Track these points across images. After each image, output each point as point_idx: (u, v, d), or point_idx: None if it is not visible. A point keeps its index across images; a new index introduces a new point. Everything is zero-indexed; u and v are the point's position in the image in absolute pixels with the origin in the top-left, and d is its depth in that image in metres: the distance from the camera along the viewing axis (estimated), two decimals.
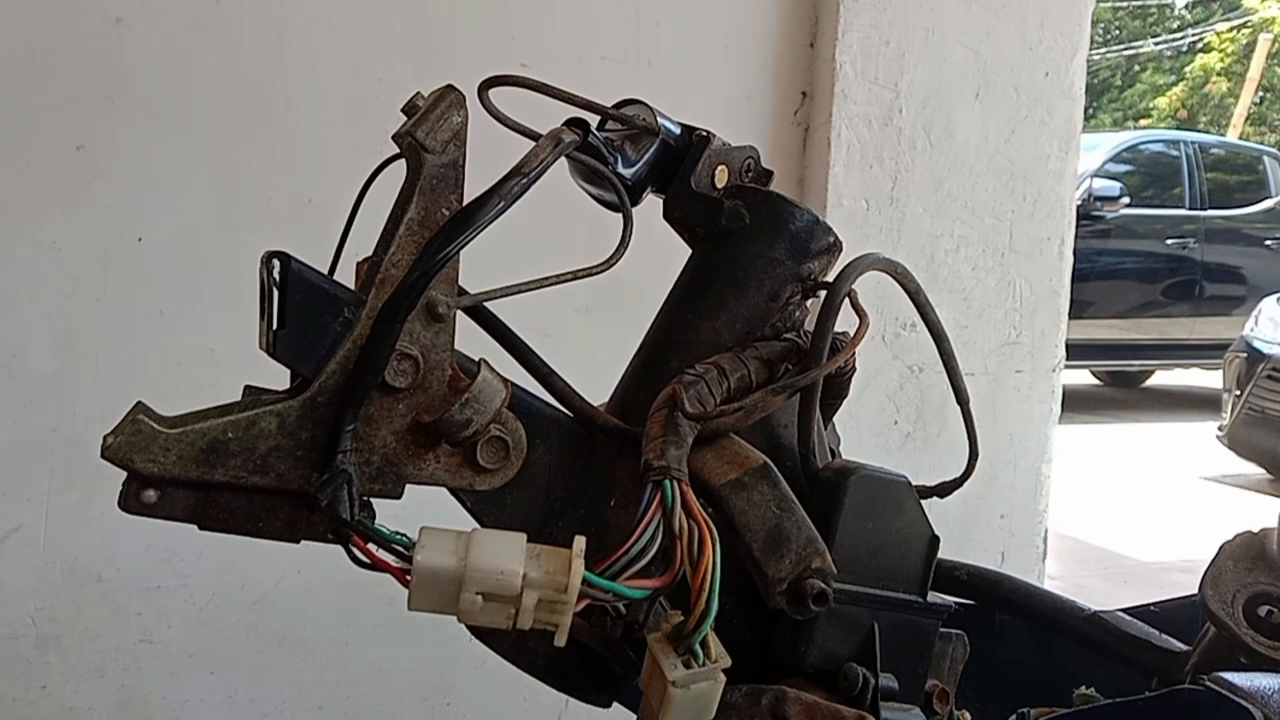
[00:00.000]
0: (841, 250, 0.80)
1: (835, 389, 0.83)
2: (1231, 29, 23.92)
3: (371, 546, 0.61)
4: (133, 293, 1.62)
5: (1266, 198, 9.52)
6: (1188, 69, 24.19)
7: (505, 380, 0.67)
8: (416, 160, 0.65)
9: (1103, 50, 24.92)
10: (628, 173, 0.75)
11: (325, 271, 0.66)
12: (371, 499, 0.67)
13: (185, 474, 0.62)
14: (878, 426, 2.11)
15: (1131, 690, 0.85)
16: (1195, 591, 0.89)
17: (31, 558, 1.60)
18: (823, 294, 0.76)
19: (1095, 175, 8.49)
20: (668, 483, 0.63)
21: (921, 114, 2.08)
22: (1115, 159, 8.95)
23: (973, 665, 0.84)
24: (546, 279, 0.67)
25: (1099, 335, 8.38)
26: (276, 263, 0.62)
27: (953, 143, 2.11)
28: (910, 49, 2.05)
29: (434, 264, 0.63)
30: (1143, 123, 22.77)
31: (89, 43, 1.57)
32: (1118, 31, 25.93)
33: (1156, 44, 25.63)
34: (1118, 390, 10.13)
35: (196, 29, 1.63)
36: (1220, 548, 0.89)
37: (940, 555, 0.77)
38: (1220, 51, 23.74)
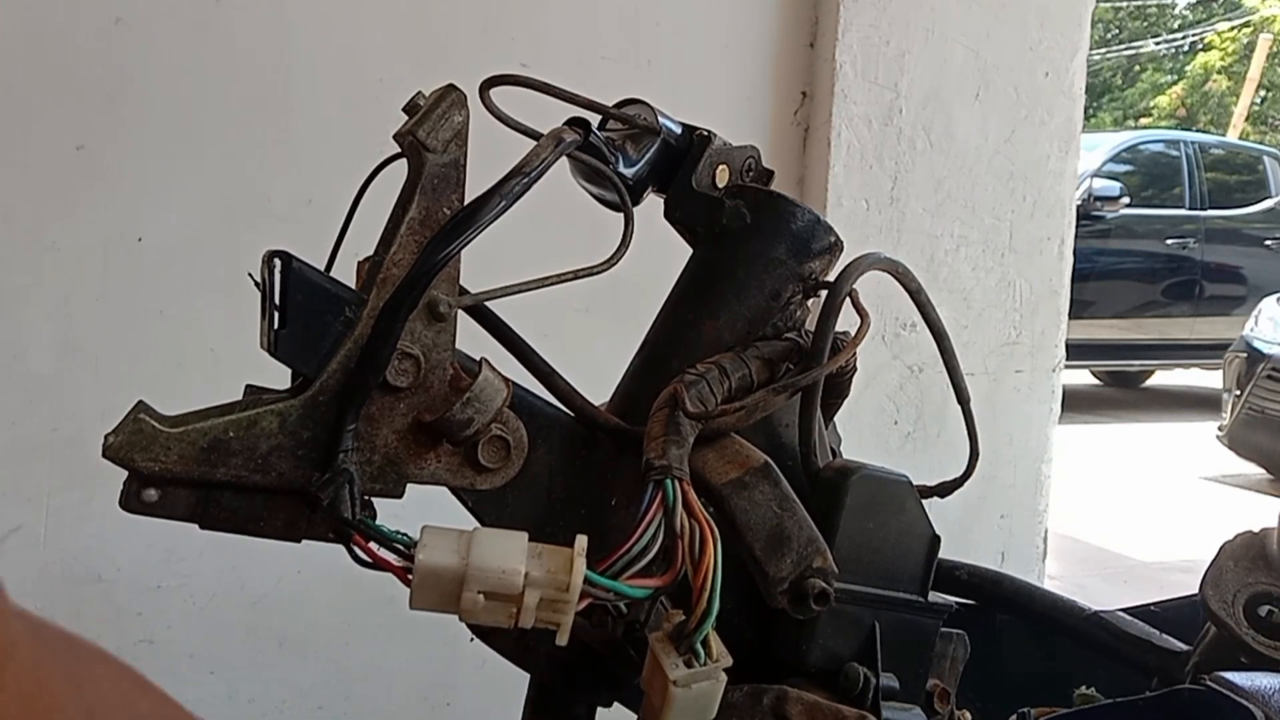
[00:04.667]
0: (842, 250, 0.80)
1: (836, 389, 0.83)
2: (1232, 28, 23.93)
3: (373, 545, 0.61)
4: (133, 293, 1.62)
5: (1266, 198, 9.53)
6: (1188, 68, 24.21)
7: (506, 380, 0.67)
8: (418, 160, 0.65)
9: (1103, 50, 24.92)
10: (629, 172, 0.75)
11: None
12: (372, 498, 0.67)
13: (186, 473, 0.62)
14: (878, 426, 2.11)
15: (1131, 690, 0.85)
16: (1195, 591, 0.89)
17: (31, 558, 1.60)
18: (824, 294, 0.76)
19: (1095, 175, 8.50)
20: (669, 482, 0.63)
21: (921, 114, 2.08)
22: (1115, 159, 8.96)
23: (973, 665, 0.84)
24: (547, 279, 0.67)
25: (1099, 335, 8.39)
26: (278, 262, 0.62)
27: (953, 143, 2.11)
28: (910, 49, 2.05)
29: (435, 263, 0.63)
30: (1143, 122, 22.77)
31: (89, 43, 1.57)
32: (1118, 31, 25.93)
33: (1157, 43, 25.63)
34: (1118, 390, 10.13)
35: (196, 29, 1.63)
36: (1220, 548, 0.89)
37: (940, 555, 0.77)
38: (1221, 50, 23.75)
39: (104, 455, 0.61)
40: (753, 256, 0.76)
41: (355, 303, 0.64)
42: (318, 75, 1.70)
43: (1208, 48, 24.14)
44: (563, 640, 0.60)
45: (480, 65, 0.78)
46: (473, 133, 0.66)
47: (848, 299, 0.74)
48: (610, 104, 0.78)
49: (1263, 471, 6.70)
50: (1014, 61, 2.16)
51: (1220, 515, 5.55)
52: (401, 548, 0.60)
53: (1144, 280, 8.91)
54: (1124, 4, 25.55)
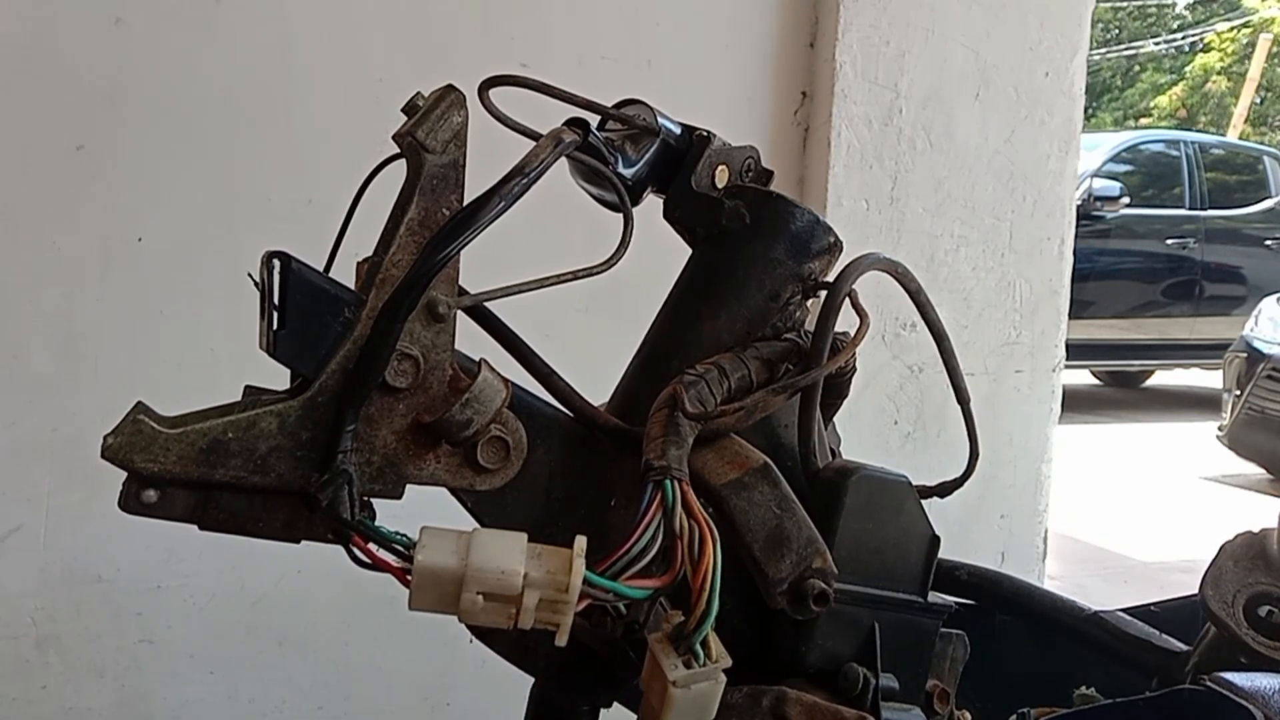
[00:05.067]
0: (842, 250, 0.80)
1: (835, 389, 0.83)
2: (1231, 29, 23.93)
3: (372, 546, 0.61)
4: (133, 293, 1.62)
5: (1266, 198, 9.53)
6: (1188, 69, 24.21)
7: (505, 380, 0.67)
8: (417, 160, 0.65)
9: (1103, 50, 24.92)
10: (628, 173, 0.75)
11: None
12: (372, 499, 0.67)
13: (185, 474, 0.62)
14: (878, 426, 2.11)
15: (1131, 690, 0.85)
16: (1195, 591, 0.89)
17: (31, 558, 1.60)
18: (823, 294, 0.76)
19: (1095, 175, 8.49)
20: (668, 482, 0.63)
21: (921, 114, 2.08)
22: (1115, 159, 8.95)
23: (973, 665, 0.84)
24: (546, 279, 0.67)
25: (1099, 335, 8.38)
26: (277, 263, 0.62)
27: (953, 143, 2.11)
28: (910, 49, 2.05)
29: (434, 264, 0.63)
30: (1143, 122, 22.77)
31: (89, 43, 1.57)
32: (1118, 31, 25.92)
33: (1156, 44, 25.63)
34: (1118, 390, 10.13)
35: (196, 29, 1.62)
36: (1220, 548, 0.89)
37: (940, 555, 0.77)
38: (1220, 51, 23.75)
39: (103, 456, 0.61)
40: (752, 257, 0.76)
41: (354, 303, 0.64)
42: (318, 75, 1.69)
43: (1207, 48, 24.15)
44: (562, 641, 0.60)
45: (480, 65, 0.78)
46: (472, 133, 0.66)
47: (847, 299, 0.74)
48: (610, 104, 0.78)
49: (1263, 471, 6.70)
50: (1014, 61, 2.16)
51: (1220, 515, 5.55)
52: (401, 548, 0.60)
53: (1144, 280, 8.90)
54: (1124, 4, 25.54)
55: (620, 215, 0.72)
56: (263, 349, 0.65)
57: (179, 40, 1.62)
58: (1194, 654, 0.87)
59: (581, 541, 0.60)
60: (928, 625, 0.76)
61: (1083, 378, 9.65)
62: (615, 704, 0.78)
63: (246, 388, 0.68)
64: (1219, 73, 23.40)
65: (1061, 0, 2.19)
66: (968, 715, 0.84)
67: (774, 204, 0.77)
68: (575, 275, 0.68)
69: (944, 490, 0.82)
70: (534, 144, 0.68)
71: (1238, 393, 6.41)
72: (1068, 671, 0.98)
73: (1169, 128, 18.91)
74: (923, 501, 0.76)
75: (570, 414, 0.74)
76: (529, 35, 1.82)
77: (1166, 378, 10.32)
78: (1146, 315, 8.82)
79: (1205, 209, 9.12)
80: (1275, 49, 19.92)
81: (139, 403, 0.63)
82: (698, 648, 0.62)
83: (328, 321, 0.63)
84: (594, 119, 0.75)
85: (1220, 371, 6.87)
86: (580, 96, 0.73)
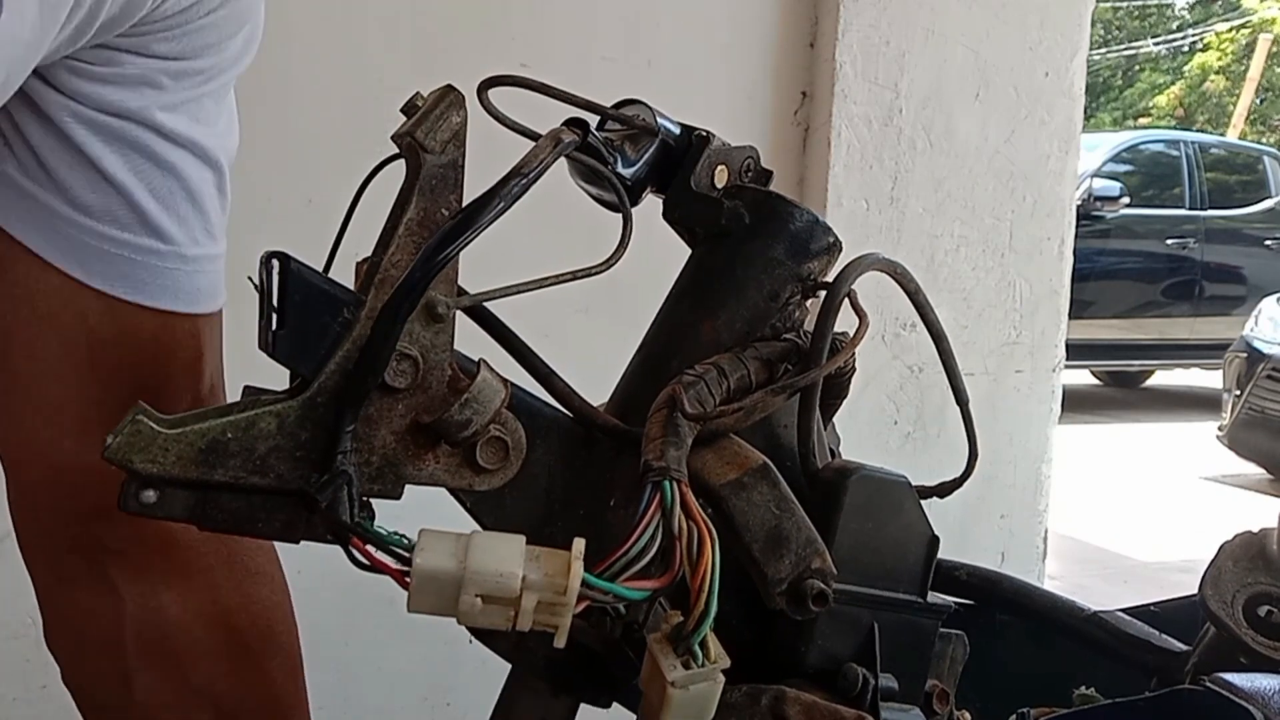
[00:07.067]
0: (841, 250, 0.80)
1: (835, 389, 0.83)
2: (1231, 29, 23.94)
3: (370, 548, 0.61)
4: None
5: (1266, 198, 9.53)
6: (1187, 69, 24.23)
7: (505, 381, 0.67)
8: (416, 160, 0.64)
9: (1103, 50, 24.93)
10: (627, 173, 0.75)
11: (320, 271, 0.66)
12: (371, 499, 0.67)
13: (185, 474, 0.62)
14: (878, 426, 2.11)
15: (1131, 690, 0.85)
16: (1195, 591, 0.88)
17: None
18: (822, 294, 0.76)
19: (1095, 175, 8.49)
20: (667, 483, 0.62)
21: (921, 114, 2.08)
22: (1115, 159, 8.95)
23: (973, 665, 0.83)
24: (546, 279, 0.67)
25: (1099, 335, 8.38)
26: (276, 263, 0.62)
27: (953, 143, 2.12)
28: (910, 49, 2.05)
29: (434, 264, 0.63)
30: (1142, 122, 22.79)
31: None
32: (1118, 31, 25.94)
33: (1156, 44, 25.65)
34: (1118, 390, 10.13)
35: None
36: (1220, 548, 0.89)
37: (940, 555, 0.76)
38: (1219, 51, 23.77)
39: (103, 456, 0.61)
40: (751, 257, 0.76)
41: (353, 304, 0.64)
42: (317, 75, 1.69)
43: (1206, 48, 24.16)
44: (560, 643, 0.60)
45: (480, 65, 0.77)
46: (471, 133, 0.66)
47: (846, 299, 0.74)
48: (609, 104, 0.78)
49: (1263, 471, 6.70)
50: (1014, 61, 2.16)
51: (1220, 515, 5.55)
52: (399, 550, 0.60)
53: (1144, 280, 8.91)
54: (1124, 4, 25.55)
55: (620, 215, 0.72)
56: (262, 349, 0.65)
57: None
58: (1194, 654, 0.87)
59: (580, 544, 0.60)
60: (927, 625, 0.76)
61: (1083, 378, 9.65)
62: (615, 704, 0.78)
63: (246, 388, 0.68)
64: (1218, 72, 23.41)
65: (1061, 0, 2.19)
66: (968, 715, 0.84)
67: (773, 204, 0.77)
68: (575, 275, 0.67)
69: (944, 490, 0.81)
70: (533, 144, 0.68)
71: (1238, 393, 6.41)
72: (1068, 671, 0.98)
73: (1168, 128, 18.92)
74: (922, 501, 0.76)
75: (569, 414, 0.74)
76: (529, 35, 1.82)
77: (1166, 378, 10.33)
78: (1146, 315, 8.82)
79: (1205, 209, 9.13)
80: (1275, 49, 19.93)
81: (139, 403, 0.63)
82: (696, 648, 0.62)
83: (327, 322, 0.63)
84: (594, 119, 0.75)
85: (1220, 371, 6.88)
86: (580, 96, 0.73)
